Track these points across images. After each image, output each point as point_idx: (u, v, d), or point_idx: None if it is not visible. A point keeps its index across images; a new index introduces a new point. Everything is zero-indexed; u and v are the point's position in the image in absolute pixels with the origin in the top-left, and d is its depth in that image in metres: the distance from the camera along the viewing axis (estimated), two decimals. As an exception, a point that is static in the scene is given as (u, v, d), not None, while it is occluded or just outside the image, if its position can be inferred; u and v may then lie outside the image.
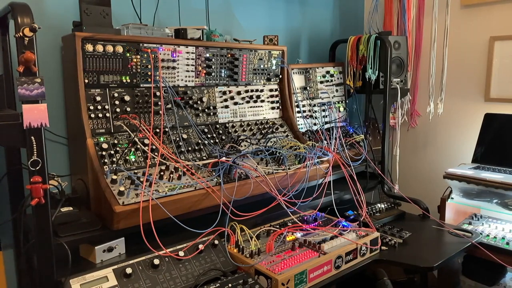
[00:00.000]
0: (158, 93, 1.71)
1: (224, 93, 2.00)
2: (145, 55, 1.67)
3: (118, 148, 1.56)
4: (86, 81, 1.55)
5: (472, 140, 2.48)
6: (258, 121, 2.11)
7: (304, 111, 2.40)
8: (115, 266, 1.32)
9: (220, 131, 1.92)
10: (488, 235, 2.00)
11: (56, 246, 1.27)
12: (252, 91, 2.11)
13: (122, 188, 1.40)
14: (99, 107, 1.58)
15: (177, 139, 1.72)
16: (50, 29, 1.68)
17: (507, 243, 1.92)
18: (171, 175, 1.56)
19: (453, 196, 2.27)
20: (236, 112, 2.04)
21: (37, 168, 1.15)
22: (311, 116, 2.43)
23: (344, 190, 2.13)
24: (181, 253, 1.43)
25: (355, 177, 2.06)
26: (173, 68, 1.78)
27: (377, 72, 2.42)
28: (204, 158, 1.75)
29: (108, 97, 1.61)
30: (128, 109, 1.64)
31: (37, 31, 1.12)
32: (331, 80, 2.58)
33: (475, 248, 1.86)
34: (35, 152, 1.14)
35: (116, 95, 1.62)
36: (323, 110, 2.49)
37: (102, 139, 1.56)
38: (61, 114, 1.76)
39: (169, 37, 1.78)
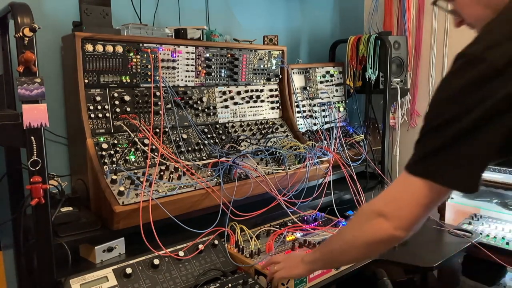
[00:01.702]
0: (158, 93, 1.71)
1: (224, 93, 2.00)
2: (145, 55, 1.67)
3: (118, 148, 1.56)
4: (86, 81, 1.55)
5: (472, 140, 2.47)
6: (258, 121, 2.11)
7: (304, 111, 2.40)
8: (115, 266, 1.32)
9: (220, 131, 1.92)
10: (488, 235, 2.00)
11: (56, 246, 1.27)
12: (252, 91, 2.11)
13: (122, 188, 1.40)
14: (99, 107, 1.58)
15: (177, 139, 1.72)
16: (50, 29, 1.67)
17: (507, 243, 1.92)
18: (171, 175, 1.56)
19: (453, 196, 2.27)
20: (236, 112, 2.04)
21: (37, 168, 1.15)
22: (311, 116, 2.43)
23: (344, 190, 2.13)
24: (181, 253, 1.43)
25: (355, 177, 2.06)
26: (173, 68, 1.78)
27: (377, 72, 2.42)
28: (204, 158, 1.75)
29: (108, 97, 1.61)
30: (128, 109, 1.64)
31: (37, 31, 1.12)
32: (331, 80, 2.58)
33: (475, 248, 1.86)
34: (35, 152, 1.14)
35: (116, 95, 1.62)
36: (323, 110, 2.49)
37: (102, 139, 1.56)
38: (61, 114, 1.76)
39: (169, 37, 1.78)
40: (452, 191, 0.88)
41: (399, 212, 0.91)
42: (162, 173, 1.53)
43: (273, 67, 2.18)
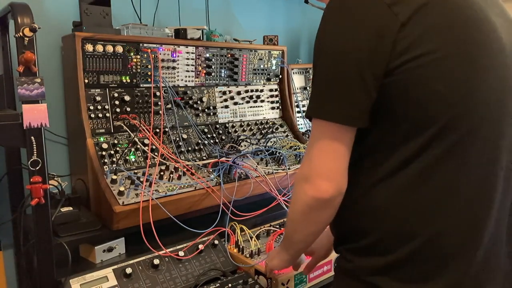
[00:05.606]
0: (158, 93, 1.71)
1: (224, 93, 2.00)
2: (145, 55, 1.67)
3: (118, 148, 1.56)
4: (86, 81, 1.55)
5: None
6: (258, 121, 2.11)
7: (304, 111, 2.40)
8: (115, 266, 1.32)
9: (220, 131, 1.92)
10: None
11: (56, 246, 1.27)
12: (252, 91, 2.11)
13: (122, 188, 1.40)
14: (99, 107, 1.58)
15: (177, 139, 1.72)
16: (50, 29, 1.68)
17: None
18: (171, 175, 1.56)
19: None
20: (236, 112, 2.04)
21: (37, 168, 1.15)
22: (311, 116, 2.43)
23: (344, 190, 2.13)
24: (181, 253, 1.43)
25: (355, 177, 2.06)
26: (173, 68, 1.78)
27: (377, 72, 2.42)
28: (204, 158, 1.75)
29: (108, 97, 1.61)
30: (128, 109, 1.64)
31: (37, 31, 1.12)
32: (331, 80, 2.57)
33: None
34: (35, 152, 1.14)
35: (116, 95, 1.62)
36: (323, 110, 2.48)
37: (102, 139, 1.56)
38: (61, 114, 1.76)
39: (169, 37, 1.78)
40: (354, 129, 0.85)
41: (312, 168, 0.87)
42: (162, 173, 1.53)
43: (273, 67, 2.18)
